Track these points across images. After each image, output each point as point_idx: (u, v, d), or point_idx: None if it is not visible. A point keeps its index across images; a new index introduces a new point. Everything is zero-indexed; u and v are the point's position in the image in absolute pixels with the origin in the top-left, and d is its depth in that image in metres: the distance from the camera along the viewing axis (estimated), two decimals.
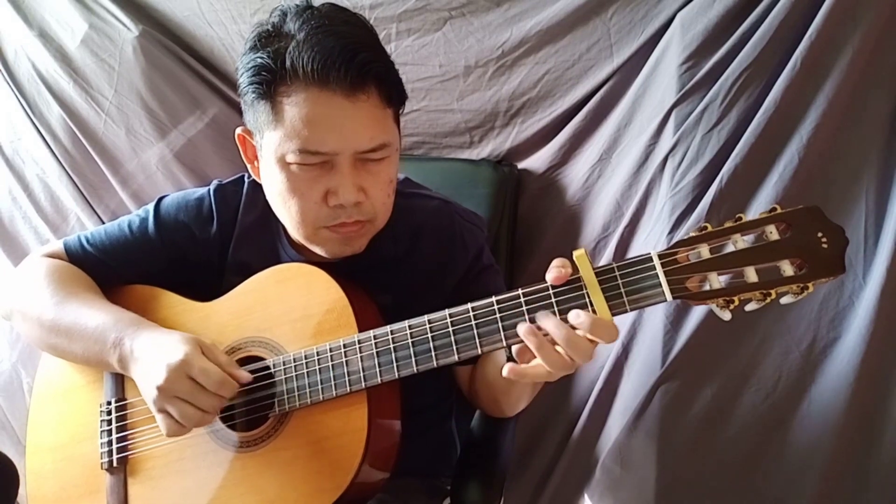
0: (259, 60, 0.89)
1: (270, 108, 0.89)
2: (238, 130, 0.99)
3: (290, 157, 0.89)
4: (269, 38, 0.90)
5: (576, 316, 0.79)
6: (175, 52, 1.50)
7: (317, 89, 0.86)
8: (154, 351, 0.91)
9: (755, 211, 1.20)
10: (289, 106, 0.88)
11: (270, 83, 0.88)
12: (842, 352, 1.23)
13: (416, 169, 1.37)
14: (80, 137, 1.53)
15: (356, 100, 0.87)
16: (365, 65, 0.86)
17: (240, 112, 1.50)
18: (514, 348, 0.84)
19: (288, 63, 0.86)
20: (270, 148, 0.91)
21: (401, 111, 0.97)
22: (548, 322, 0.80)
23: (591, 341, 0.79)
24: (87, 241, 1.10)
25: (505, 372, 0.82)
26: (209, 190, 1.10)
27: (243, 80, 0.92)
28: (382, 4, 1.39)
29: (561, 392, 1.44)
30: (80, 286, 1.05)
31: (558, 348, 0.80)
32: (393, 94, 0.92)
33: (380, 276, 1.03)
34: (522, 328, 0.81)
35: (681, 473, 1.35)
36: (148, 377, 0.90)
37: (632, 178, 1.32)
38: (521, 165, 1.45)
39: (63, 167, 1.56)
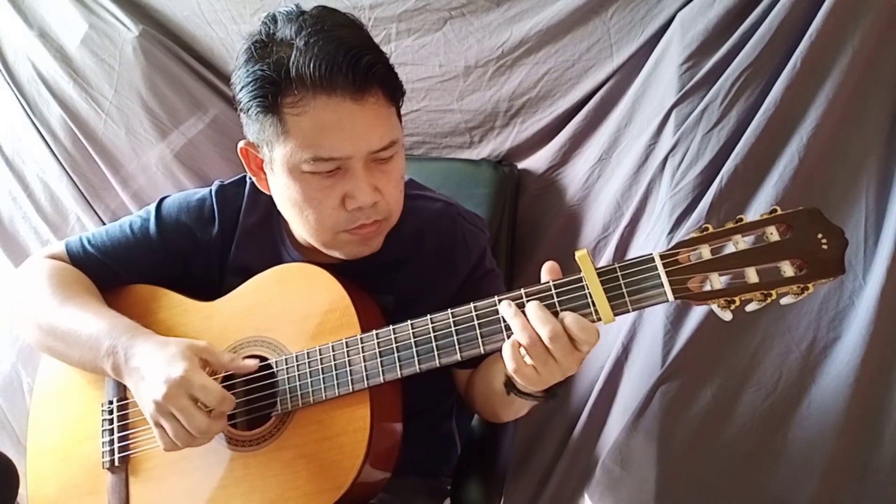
0: (259, 73, 0.87)
1: (277, 121, 0.88)
2: (241, 144, 0.97)
3: (305, 167, 0.89)
4: (265, 48, 0.88)
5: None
6: (175, 52, 1.50)
7: (325, 96, 0.85)
8: (151, 362, 0.90)
9: (755, 211, 1.20)
10: (297, 116, 0.86)
11: (276, 95, 0.86)
12: (842, 352, 1.23)
13: (416, 169, 1.37)
14: (80, 137, 1.53)
15: (364, 102, 0.87)
16: (370, 67, 0.86)
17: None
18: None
19: (292, 73, 0.85)
20: (281, 160, 0.90)
21: (400, 104, 0.97)
22: (532, 310, 0.80)
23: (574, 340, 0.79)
24: (89, 242, 1.10)
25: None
26: (210, 191, 1.10)
27: (243, 94, 0.90)
28: (382, 4, 1.39)
29: (561, 392, 1.44)
30: (80, 289, 1.04)
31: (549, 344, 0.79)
32: (396, 91, 0.93)
33: (382, 278, 1.03)
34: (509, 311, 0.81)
35: (681, 473, 1.35)
36: (145, 389, 0.90)
37: (632, 178, 1.32)
38: (521, 165, 1.45)
39: (63, 167, 1.56)
